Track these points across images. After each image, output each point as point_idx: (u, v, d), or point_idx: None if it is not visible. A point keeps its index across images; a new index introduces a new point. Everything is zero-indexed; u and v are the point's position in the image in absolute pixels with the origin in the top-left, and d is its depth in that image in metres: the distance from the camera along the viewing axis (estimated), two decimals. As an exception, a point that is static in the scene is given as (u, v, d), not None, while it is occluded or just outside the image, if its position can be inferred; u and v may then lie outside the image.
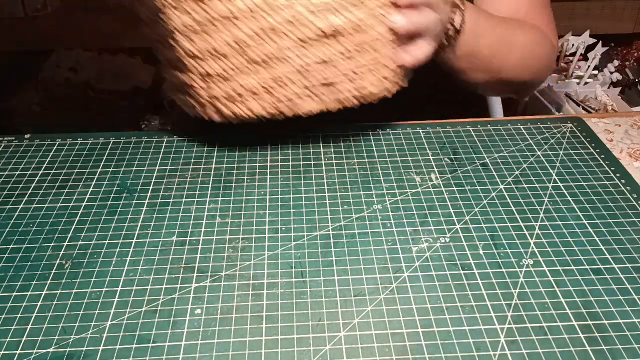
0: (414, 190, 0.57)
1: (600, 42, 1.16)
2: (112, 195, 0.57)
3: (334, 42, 0.54)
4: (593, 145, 0.64)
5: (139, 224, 0.53)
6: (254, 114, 0.57)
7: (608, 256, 0.49)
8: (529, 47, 0.73)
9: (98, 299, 0.45)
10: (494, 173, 0.59)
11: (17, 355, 0.41)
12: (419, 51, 0.58)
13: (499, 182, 0.58)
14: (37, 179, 0.59)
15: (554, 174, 0.59)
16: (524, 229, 0.52)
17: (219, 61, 0.55)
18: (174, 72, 0.60)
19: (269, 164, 0.61)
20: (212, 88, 0.56)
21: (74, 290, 0.46)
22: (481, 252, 0.50)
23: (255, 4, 0.51)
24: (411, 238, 0.51)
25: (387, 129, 0.66)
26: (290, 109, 0.57)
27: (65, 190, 0.57)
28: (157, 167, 0.60)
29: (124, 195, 0.57)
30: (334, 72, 0.55)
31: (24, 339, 0.42)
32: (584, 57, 1.18)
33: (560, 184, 0.58)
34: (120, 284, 0.47)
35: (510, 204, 0.55)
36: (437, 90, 0.78)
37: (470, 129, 0.66)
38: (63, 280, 0.47)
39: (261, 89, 0.56)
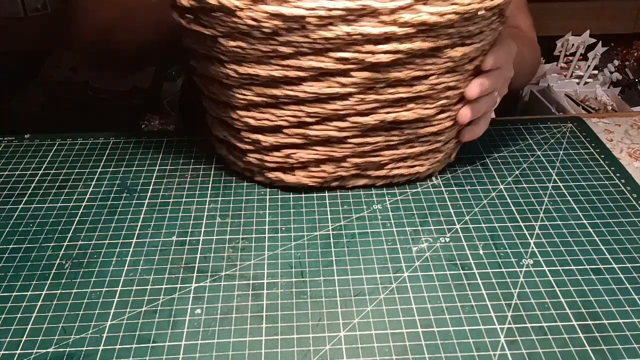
0: (414, 190, 0.57)
1: (600, 42, 1.16)
2: (112, 195, 0.57)
3: (397, 131, 0.52)
4: (593, 145, 0.64)
5: (139, 224, 0.53)
6: (299, 183, 0.56)
7: (608, 256, 0.49)
8: (530, 59, 0.74)
9: (98, 299, 0.45)
10: (494, 173, 0.59)
11: (17, 355, 0.41)
12: (479, 129, 0.57)
13: (499, 182, 0.58)
14: (37, 179, 0.59)
15: (554, 174, 0.59)
16: (524, 229, 0.52)
17: (277, 134, 0.53)
18: (221, 128, 0.57)
19: (269, 164, 0.61)
20: (262, 154, 0.55)
21: (74, 290, 0.46)
22: (481, 252, 0.50)
23: (320, 92, 0.49)
24: (411, 238, 0.51)
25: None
26: (338, 183, 0.56)
27: (65, 190, 0.57)
28: (157, 167, 0.60)
29: (124, 195, 0.57)
30: (391, 157, 0.54)
31: (24, 339, 0.42)
32: (584, 57, 1.18)
33: (560, 184, 0.58)
34: (120, 284, 0.47)
35: (510, 204, 0.55)
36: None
37: (470, 129, 0.66)
38: (63, 280, 0.47)
39: (313, 163, 0.54)
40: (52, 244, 0.51)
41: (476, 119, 0.56)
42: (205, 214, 0.54)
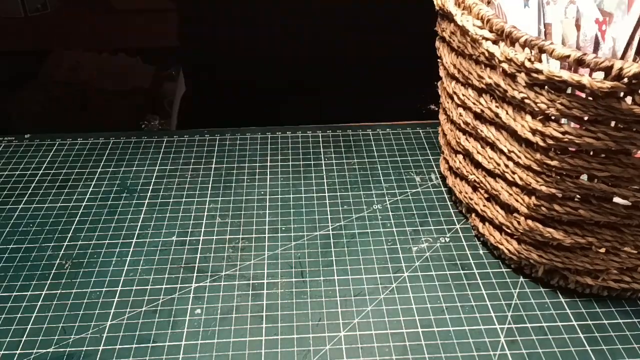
0: (414, 190, 0.57)
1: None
2: (112, 195, 0.57)
3: None
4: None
5: (139, 224, 0.53)
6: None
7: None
8: None
9: (98, 299, 0.45)
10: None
11: (17, 355, 0.41)
12: None
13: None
14: (37, 179, 0.59)
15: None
16: (524, 229, 0.52)
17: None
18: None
19: (269, 164, 0.61)
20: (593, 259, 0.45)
21: (74, 290, 0.46)
22: (481, 252, 0.50)
23: None
24: (411, 238, 0.51)
25: (387, 129, 0.66)
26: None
27: (65, 190, 0.57)
28: (157, 167, 0.60)
29: (124, 195, 0.57)
30: None
31: (24, 339, 0.42)
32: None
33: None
34: (120, 284, 0.47)
35: (510, 204, 0.55)
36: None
37: (470, 129, 0.66)
38: (63, 280, 0.47)
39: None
40: (52, 244, 0.51)
41: None
42: (205, 214, 0.54)
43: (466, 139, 0.50)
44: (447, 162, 0.55)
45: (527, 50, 0.39)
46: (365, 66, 0.72)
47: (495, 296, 0.46)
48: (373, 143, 0.64)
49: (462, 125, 0.49)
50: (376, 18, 0.70)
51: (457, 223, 0.53)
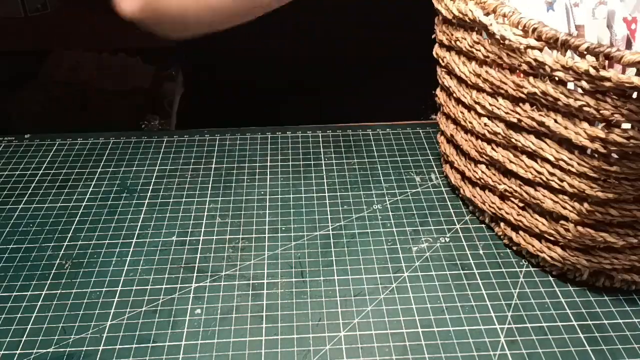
0: (414, 190, 0.57)
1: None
2: (112, 195, 0.57)
3: None
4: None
5: (139, 224, 0.53)
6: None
7: (608, 256, 0.49)
8: None
9: (98, 299, 0.45)
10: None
11: (17, 355, 0.41)
12: None
13: (499, 182, 0.58)
14: (37, 179, 0.59)
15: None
16: (524, 229, 0.52)
17: None
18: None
19: (269, 164, 0.61)
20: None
21: (74, 290, 0.46)
22: (481, 252, 0.50)
23: None
24: (411, 238, 0.51)
25: (387, 129, 0.66)
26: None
27: (65, 190, 0.57)
28: (157, 167, 0.60)
29: (124, 195, 0.57)
30: None
31: (24, 339, 0.42)
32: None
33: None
34: (120, 284, 0.47)
35: (510, 204, 0.55)
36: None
37: (470, 129, 0.66)
38: (63, 280, 0.47)
39: None
40: (52, 244, 0.51)
41: None
42: (205, 214, 0.54)
43: (492, 148, 0.49)
44: (458, 172, 0.55)
45: (588, 57, 0.38)
46: (365, 66, 0.72)
47: (495, 296, 0.46)
48: (373, 143, 0.64)
49: (488, 135, 0.48)
50: (376, 18, 0.70)
51: (457, 223, 0.53)
